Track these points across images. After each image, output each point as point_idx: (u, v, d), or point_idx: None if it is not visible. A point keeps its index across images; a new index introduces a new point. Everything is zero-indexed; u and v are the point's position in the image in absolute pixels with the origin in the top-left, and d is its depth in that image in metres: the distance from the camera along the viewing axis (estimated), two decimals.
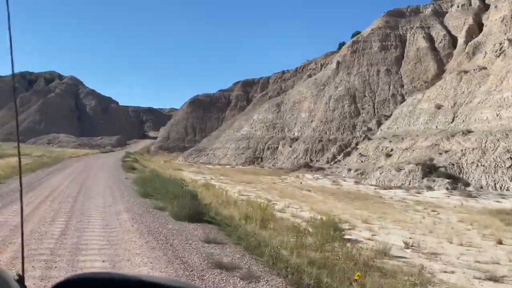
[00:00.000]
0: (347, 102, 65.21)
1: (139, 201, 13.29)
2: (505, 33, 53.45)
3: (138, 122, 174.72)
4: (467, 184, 32.30)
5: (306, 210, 17.58)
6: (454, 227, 15.67)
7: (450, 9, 75.15)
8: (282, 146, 63.99)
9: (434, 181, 32.85)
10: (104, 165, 35.25)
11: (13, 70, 1.33)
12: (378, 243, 10.39)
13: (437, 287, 7.58)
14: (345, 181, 39.01)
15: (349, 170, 45.46)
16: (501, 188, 30.76)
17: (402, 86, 66.08)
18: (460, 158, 35.66)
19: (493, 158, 33.26)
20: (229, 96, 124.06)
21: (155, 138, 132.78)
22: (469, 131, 39.58)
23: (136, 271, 5.59)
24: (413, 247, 11.07)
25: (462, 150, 36.74)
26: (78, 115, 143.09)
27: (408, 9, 79.51)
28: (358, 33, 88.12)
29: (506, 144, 33.92)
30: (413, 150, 41.44)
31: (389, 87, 66.29)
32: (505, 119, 37.69)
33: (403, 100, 63.04)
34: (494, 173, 32.04)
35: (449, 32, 70.83)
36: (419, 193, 30.38)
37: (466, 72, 52.23)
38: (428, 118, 48.69)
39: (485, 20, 64.27)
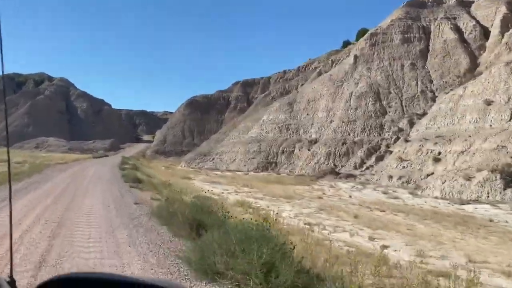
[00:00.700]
0: (371, 99, 58.18)
1: None
2: None
3: (131, 126, 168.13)
4: None
5: (453, 257, 10.37)
6: None
7: None
8: (299, 150, 56.62)
9: None
10: (98, 177, 25.70)
11: (2, 71, 1.28)
12: None
13: None
14: (395, 192, 31.81)
15: (390, 177, 38.33)
16: None
17: (431, 81, 59.24)
18: None
19: None
20: (228, 97, 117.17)
21: (149, 141, 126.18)
22: None
23: None
24: None
25: None
26: (68, 118, 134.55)
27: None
28: (365, 30, 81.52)
29: None
30: (473, 154, 34.32)
31: (417, 82, 59.41)
32: None
33: (434, 96, 56.29)
34: None
35: (478, 22, 64.33)
36: None
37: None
38: (477, 116, 41.75)
39: None
